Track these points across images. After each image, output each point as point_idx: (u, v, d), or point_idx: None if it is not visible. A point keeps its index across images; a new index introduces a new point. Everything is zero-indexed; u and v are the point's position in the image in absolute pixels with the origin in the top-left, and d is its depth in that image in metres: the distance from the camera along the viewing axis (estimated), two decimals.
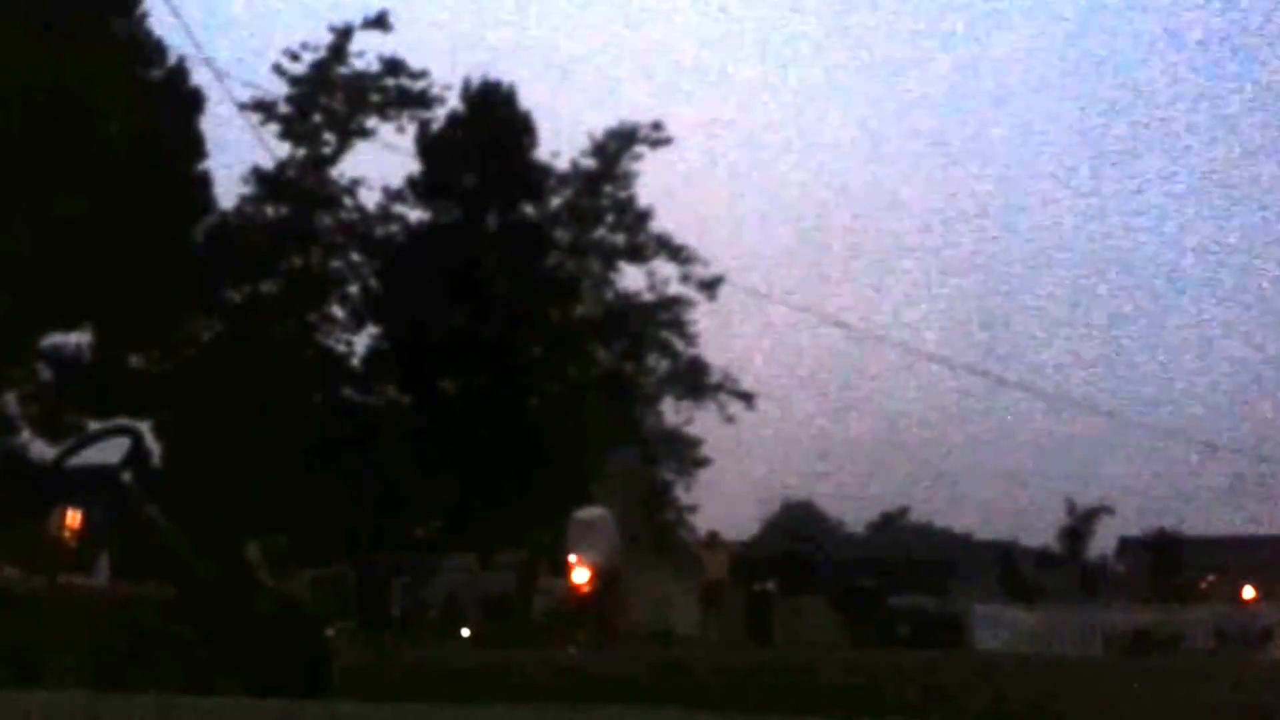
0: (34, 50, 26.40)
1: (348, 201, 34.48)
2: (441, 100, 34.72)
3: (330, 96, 33.79)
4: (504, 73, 35.24)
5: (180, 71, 30.38)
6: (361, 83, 33.91)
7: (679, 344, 35.91)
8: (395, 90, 34.25)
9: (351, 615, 23.56)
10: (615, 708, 11.36)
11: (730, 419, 36.14)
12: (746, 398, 36.21)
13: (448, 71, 35.12)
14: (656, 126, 35.61)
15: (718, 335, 37.57)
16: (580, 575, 26.17)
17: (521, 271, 34.03)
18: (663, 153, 36.00)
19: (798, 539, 45.73)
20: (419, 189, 34.98)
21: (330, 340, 34.33)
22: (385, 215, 34.89)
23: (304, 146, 33.87)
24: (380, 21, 33.81)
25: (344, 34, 33.81)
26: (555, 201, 35.68)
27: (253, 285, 33.37)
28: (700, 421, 36.32)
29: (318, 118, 33.84)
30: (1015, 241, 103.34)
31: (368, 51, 34.02)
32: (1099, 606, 30.49)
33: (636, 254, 35.55)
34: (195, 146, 30.74)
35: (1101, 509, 50.37)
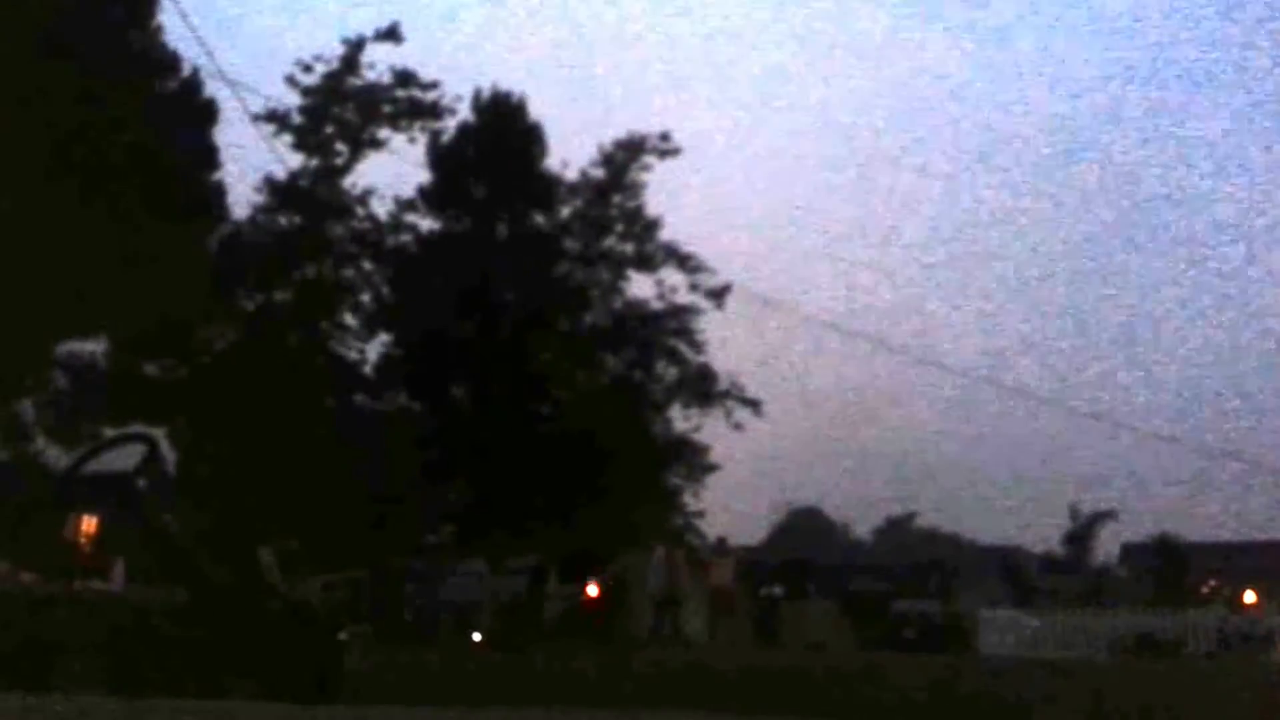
0: (48, 63, 26.66)
1: (360, 211, 34.71)
2: (452, 111, 34.98)
3: (342, 107, 34.02)
4: (515, 83, 35.52)
5: (194, 83, 30.62)
6: (373, 94, 34.15)
7: (687, 351, 36.00)
8: (407, 101, 34.47)
9: (364, 620, 23.79)
10: (621, 709, 11.59)
11: (738, 426, 36.19)
12: (754, 404, 36.27)
13: (459, 83, 35.42)
14: (665, 137, 35.76)
15: (726, 342, 37.71)
16: (591, 588, 26.76)
17: (531, 280, 34.22)
18: (671, 162, 36.13)
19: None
20: (430, 199, 35.20)
21: (342, 348, 34.57)
22: (397, 224, 35.10)
23: (316, 157, 34.07)
24: (392, 33, 34.06)
25: (356, 46, 34.04)
26: (565, 211, 35.85)
27: (266, 294, 33.62)
28: (708, 428, 36.36)
29: (330, 128, 34.03)
30: (1016, 247, 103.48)
31: (379, 63, 34.31)
32: (1102, 611, 30.51)
33: (645, 263, 35.67)
34: (209, 157, 30.97)
35: (1105, 514, 50.52)
